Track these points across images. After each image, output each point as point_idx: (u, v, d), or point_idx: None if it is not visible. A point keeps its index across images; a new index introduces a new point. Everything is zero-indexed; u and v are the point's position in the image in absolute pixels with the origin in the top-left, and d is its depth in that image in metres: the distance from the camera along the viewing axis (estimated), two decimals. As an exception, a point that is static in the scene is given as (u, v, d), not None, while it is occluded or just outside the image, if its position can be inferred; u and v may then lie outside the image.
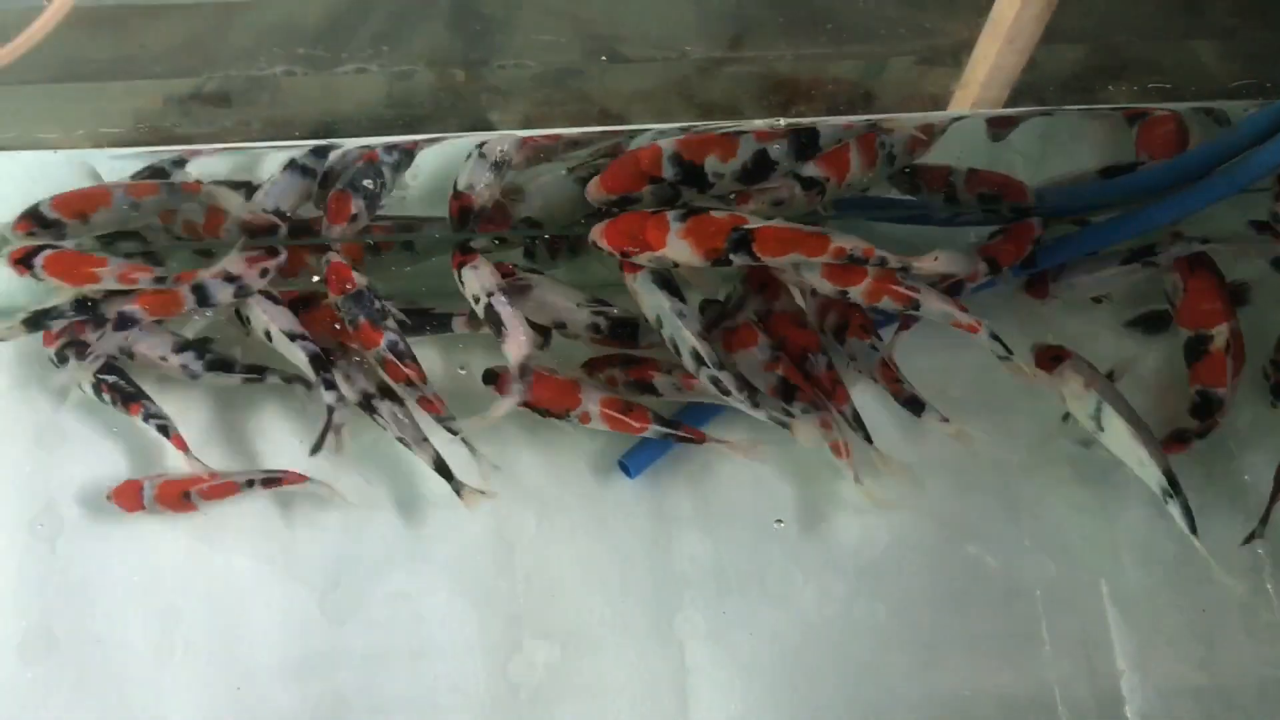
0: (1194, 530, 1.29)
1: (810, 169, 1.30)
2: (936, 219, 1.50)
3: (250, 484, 1.34)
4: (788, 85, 1.20)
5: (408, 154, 1.28)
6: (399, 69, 1.14)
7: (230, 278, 1.28)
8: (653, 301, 1.30)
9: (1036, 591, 1.40)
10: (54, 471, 1.39)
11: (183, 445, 1.34)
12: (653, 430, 1.35)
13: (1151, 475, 1.30)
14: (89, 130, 1.09)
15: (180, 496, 1.33)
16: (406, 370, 1.30)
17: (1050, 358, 1.35)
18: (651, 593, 1.38)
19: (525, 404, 1.34)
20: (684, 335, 1.28)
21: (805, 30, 1.16)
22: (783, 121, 1.19)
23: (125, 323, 1.28)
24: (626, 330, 1.35)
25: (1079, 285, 1.47)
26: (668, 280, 1.30)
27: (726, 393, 1.28)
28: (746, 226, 1.23)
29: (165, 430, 1.34)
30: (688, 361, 1.29)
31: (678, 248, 1.25)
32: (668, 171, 1.26)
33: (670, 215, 1.26)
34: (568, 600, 1.37)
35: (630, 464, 1.39)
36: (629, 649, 1.35)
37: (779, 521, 1.40)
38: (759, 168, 1.27)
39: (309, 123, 1.16)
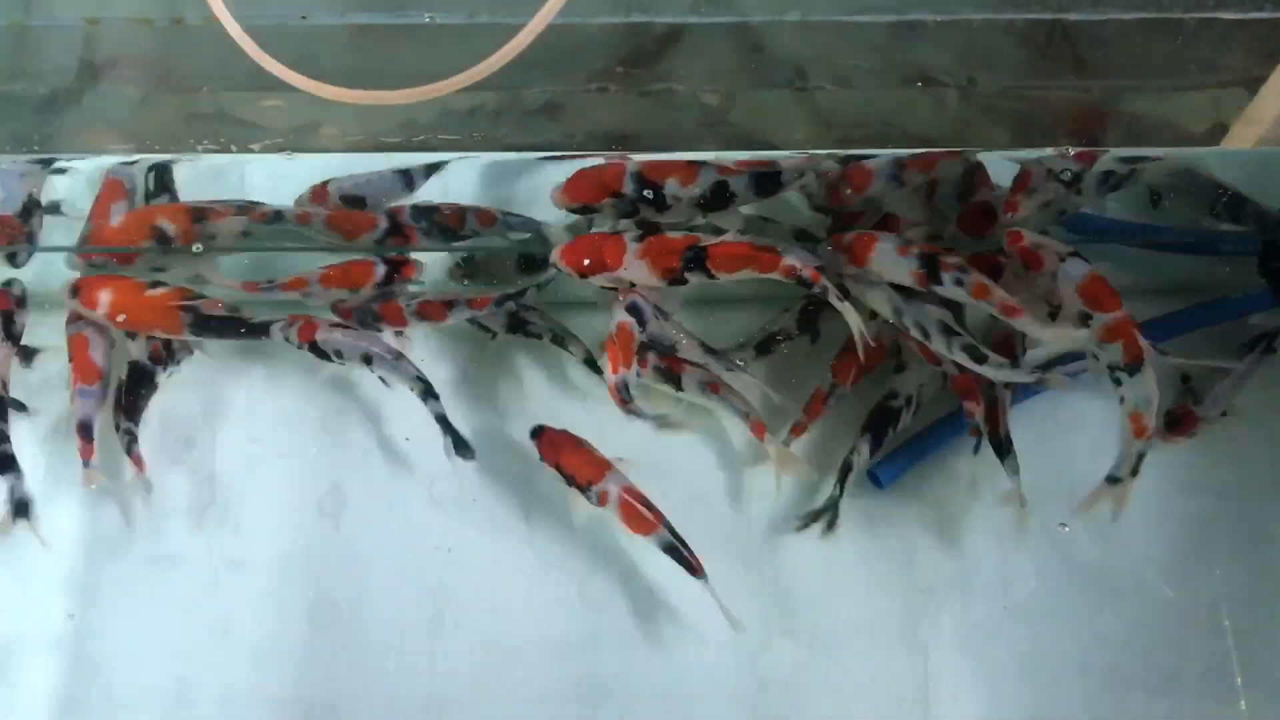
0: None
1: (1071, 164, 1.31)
2: (1176, 245, 1.51)
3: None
4: (1063, 114, 1.24)
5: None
6: (707, 88, 1.20)
7: None
8: (883, 295, 1.32)
9: (1225, 623, 1.41)
10: (338, 455, 1.49)
11: None
12: (659, 537, 1.33)
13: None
14: (429, 136, 1.18)
15: None
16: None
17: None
18: (897, 598, 1.42)
19: (555, 466, 1.39)
20: (926, 312, 1.29)
21: (1083, 64, 1.20)
22: (1072, 151, 1.22)
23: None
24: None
25: (1221, 397, 1.42)
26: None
27: (982, 359, 1.26)
28: (700, 244, 1.26)
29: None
30: (938, 338, 1.29)
31: (635, 268, 1.29)
32: (629, 188, 1.30)
33: (627, 236, 1.30)
34: (815, 601, 1.42)
35: (881, 474, 1.44)
36: (874, 652, 1.40)
37: (1063, 525, 1.43)
38: (716, 197, 1.30)
39: (623, 136, 1.24)
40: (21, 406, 1.46)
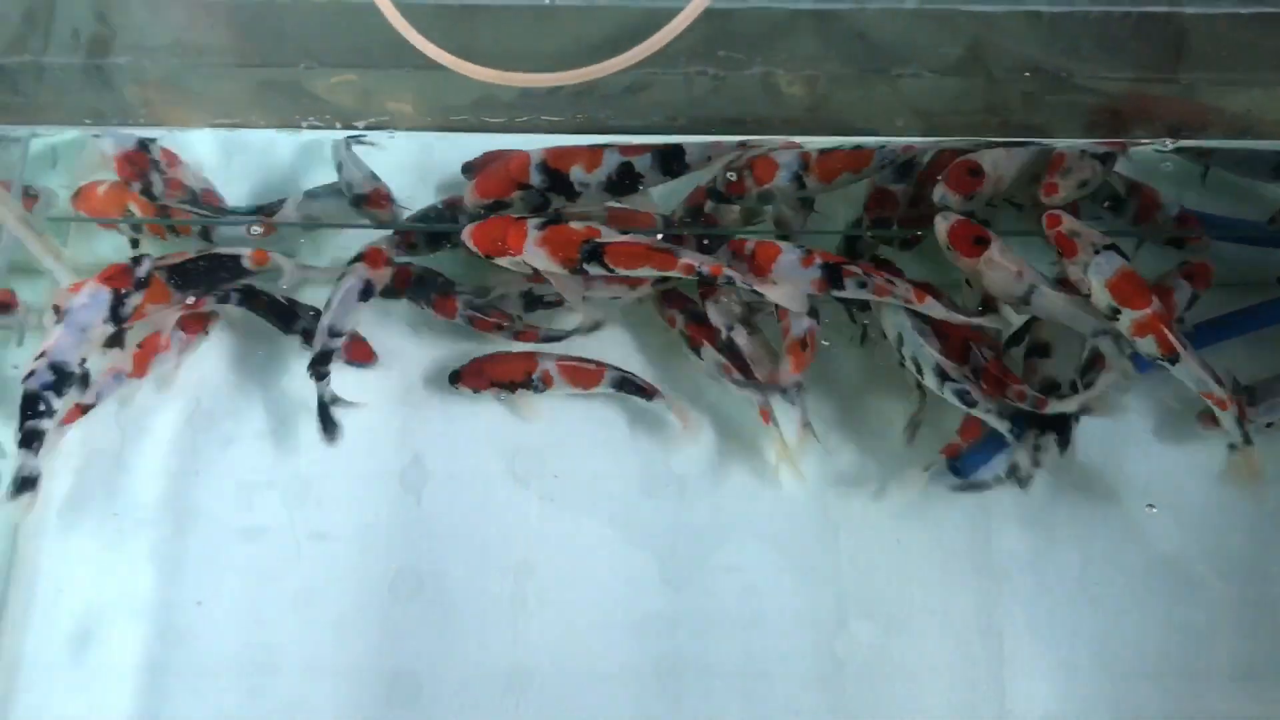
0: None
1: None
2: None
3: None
4: (1169, 107, 1.23)
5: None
6: (803, 74, 1.20)
7: None
8: (895, 320, 1.37)
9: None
10: (419, 428, 1.50)
11: None
12: (608, 380, 1.46)
13: (1086, 324, 1.32)
14: (531, 118, 1.18)
15: None
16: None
17: (974, 240, 1.32)
18: (971, 583, 1.44)
19: (492, 384, 1.46)
20: (926, 353, 1.34)
21: (1193, 57, 1.18)
22: (1170, 144, 1.23)
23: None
24: None
25: (1277, 408, 1.41)
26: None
27: (973, 404, 1.34)
28: (599, 240, 1.30)
29: None
30: (930, 378, 1.35)
31: (535, 254, 1.33)
32: (535, 179, 1.33)
33: (530, 223, 1.33)
34: (890, 584, 1.44)
35: (963, 465, 1.45)
36: (949, 636, 1.42)
37: (1150, 506, 1.45)
38: (623, 179, 1.33)
39: (721, 119, 1.24)
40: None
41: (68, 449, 1.47)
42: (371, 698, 1.39)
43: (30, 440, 1.30)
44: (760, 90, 1.21)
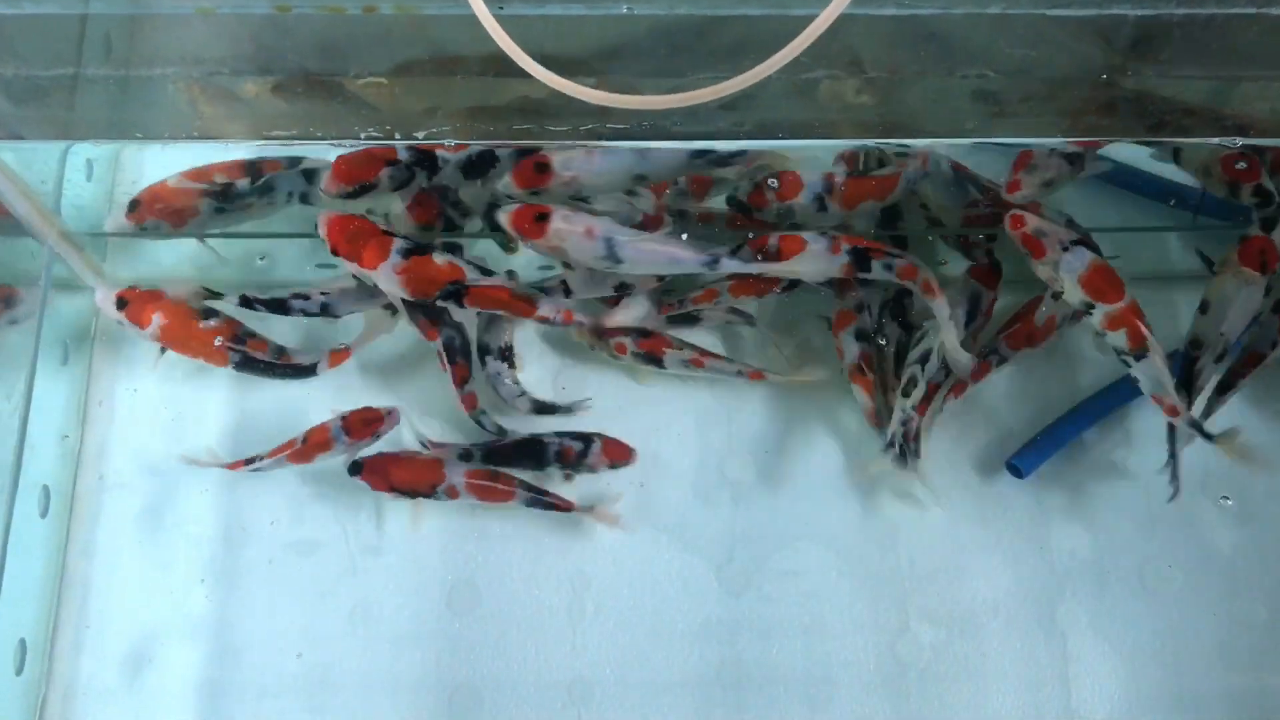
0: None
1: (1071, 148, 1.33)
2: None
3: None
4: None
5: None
6: (868, 76, 1.19)
7: None
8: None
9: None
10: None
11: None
12: (520, 499, 1.39)
13: (709, 252, 1.32)
14: (596, 125, 1.16)
15: None
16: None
17: (535, 218, 1.29)
18: (1033, 583, 1.43)
19: (391, 488, 1.38)
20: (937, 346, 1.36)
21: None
22: (1239, 142, 1.21)
23: None
24: None
25: None
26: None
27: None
28: (463, 282, 1.30)
29: None
30: (933, 365, 1.37)
31: (387, 280, 1.31)
32: (403, 154, 1.30)
33: (395, 245, 1.30)
34: (951, 586, 1.44)
35: (1022, 464, 1.43)
36: (1012, 637, 1.41)
37: (1225, 498, 1.45)
38: (481, 161, 1.32)
39: (790, 124, 1.22)
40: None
41: (115, 466, 1.46)
42: (431, 713, 1.38)
43: (251, 301, 1.40)
44: (824, 94, 1.19)
